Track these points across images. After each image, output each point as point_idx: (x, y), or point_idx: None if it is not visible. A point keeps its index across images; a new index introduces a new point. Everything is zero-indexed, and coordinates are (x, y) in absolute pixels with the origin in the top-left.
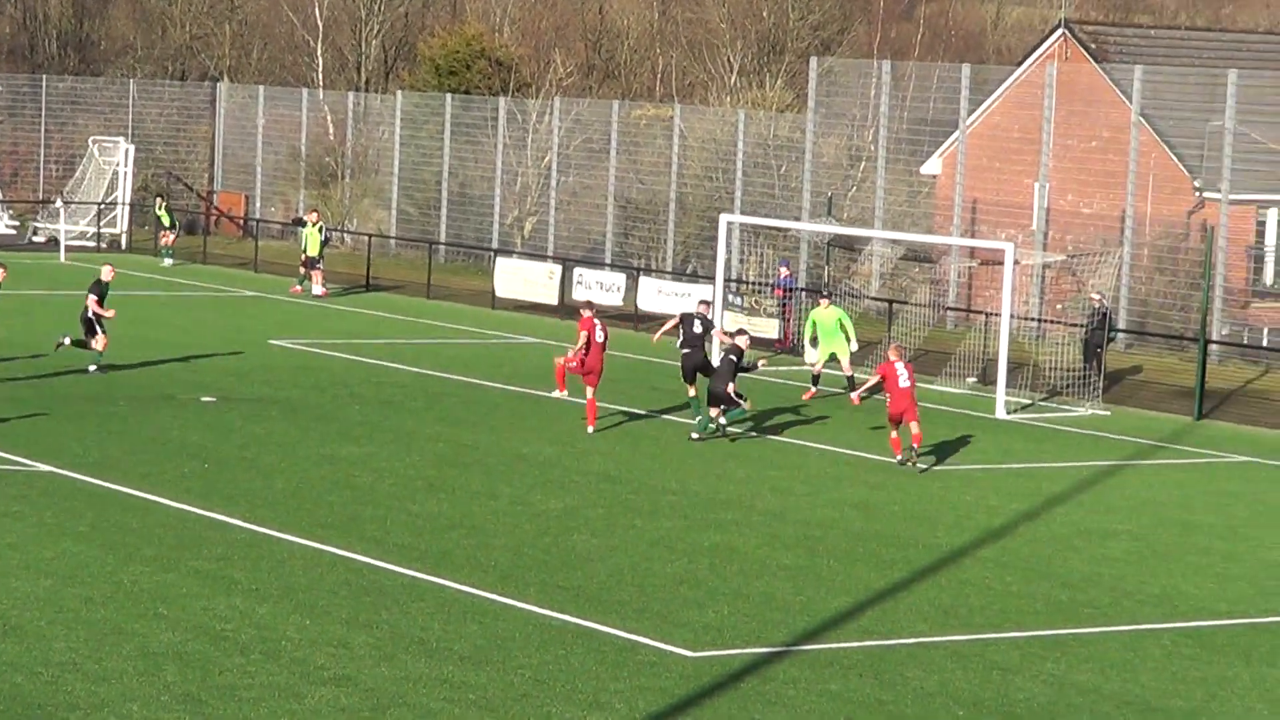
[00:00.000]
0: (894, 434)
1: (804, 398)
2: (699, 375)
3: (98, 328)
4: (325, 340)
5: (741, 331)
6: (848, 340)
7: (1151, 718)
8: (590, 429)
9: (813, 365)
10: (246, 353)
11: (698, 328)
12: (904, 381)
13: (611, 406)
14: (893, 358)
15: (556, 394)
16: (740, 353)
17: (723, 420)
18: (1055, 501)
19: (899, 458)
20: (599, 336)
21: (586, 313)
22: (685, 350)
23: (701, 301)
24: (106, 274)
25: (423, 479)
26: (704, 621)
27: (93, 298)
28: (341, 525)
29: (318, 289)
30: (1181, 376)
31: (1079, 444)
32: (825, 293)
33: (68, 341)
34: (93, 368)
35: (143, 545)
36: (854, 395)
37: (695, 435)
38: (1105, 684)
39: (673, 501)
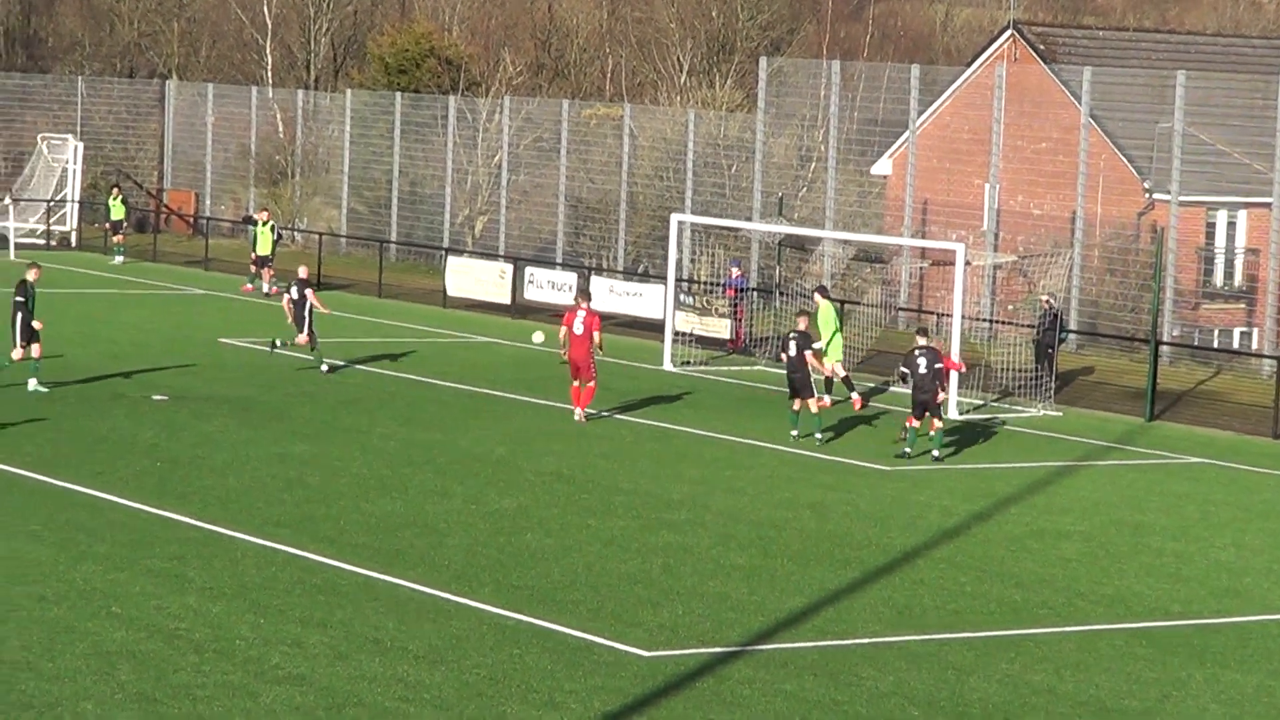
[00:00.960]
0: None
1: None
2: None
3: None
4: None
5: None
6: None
7: (1107, 718)
8: (577, 414)
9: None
10: (197, 351)
11: (793, 349)
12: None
13: (563, 405)
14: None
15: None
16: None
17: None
18: (1008, 502)
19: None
20: (577, 329)
21: (579, 305)
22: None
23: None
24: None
25: (376, 478)
26: (658, 621)
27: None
28: (295, 524)
29: (267, 287)
30: (1133, 378)
31: (1031, 445)
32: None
33: (280, 345)
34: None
35: (95, 544)
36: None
37: (819, 437)
38: (1060, 684)
39: (626, 501)
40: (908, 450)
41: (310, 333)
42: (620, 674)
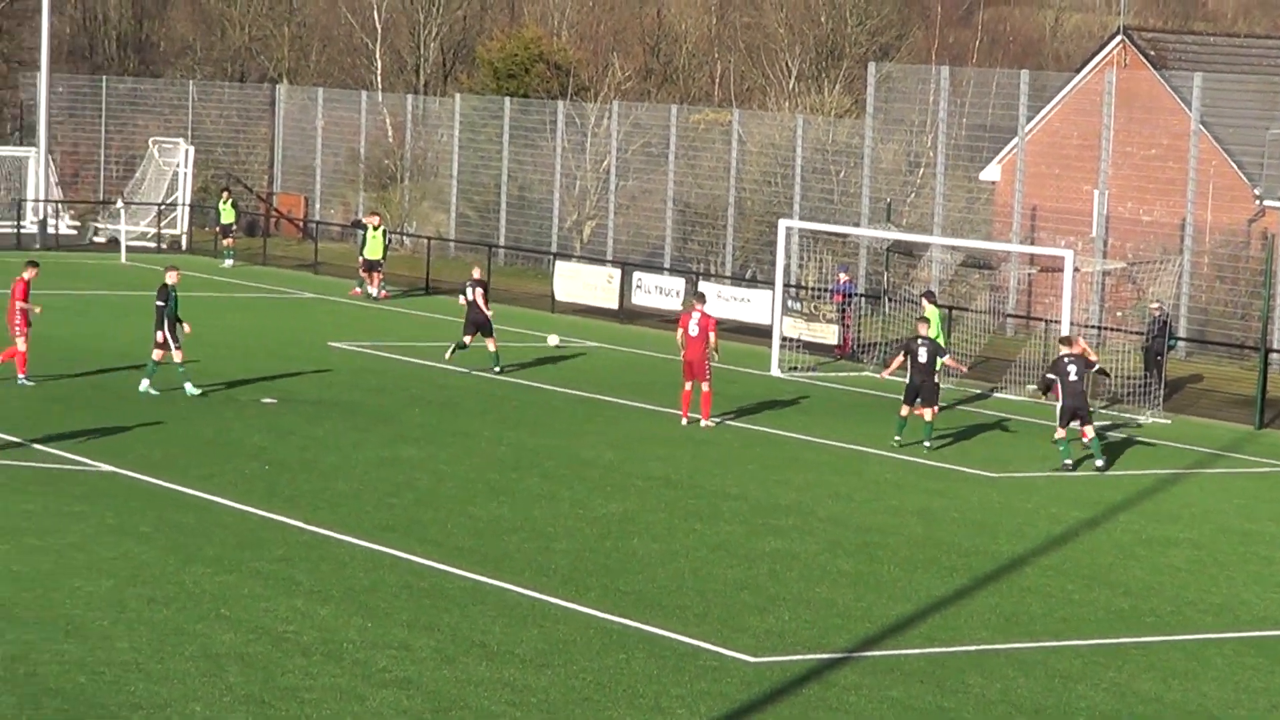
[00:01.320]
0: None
1: None
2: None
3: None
4: (384, 342)
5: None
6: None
7: None
8: (684, 420)
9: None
10: (306, 355)
11: (923, 356)
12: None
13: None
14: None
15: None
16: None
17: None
18: (1116, 509)
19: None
20: (692, 331)
21: (695, 307)
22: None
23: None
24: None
25: (483, 482)
26: (765, 627)
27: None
28: (403, 527)
29: (376, 291)
30: (1242, 385)
31: (1139, 452)
32: (927, 294)
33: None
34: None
35: (204, 546)
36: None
37: (927, 445)
38: (1168, 693)
39: (733, 506)
40: (1068, 463)
41: (491, 334)
42: (726, 680)
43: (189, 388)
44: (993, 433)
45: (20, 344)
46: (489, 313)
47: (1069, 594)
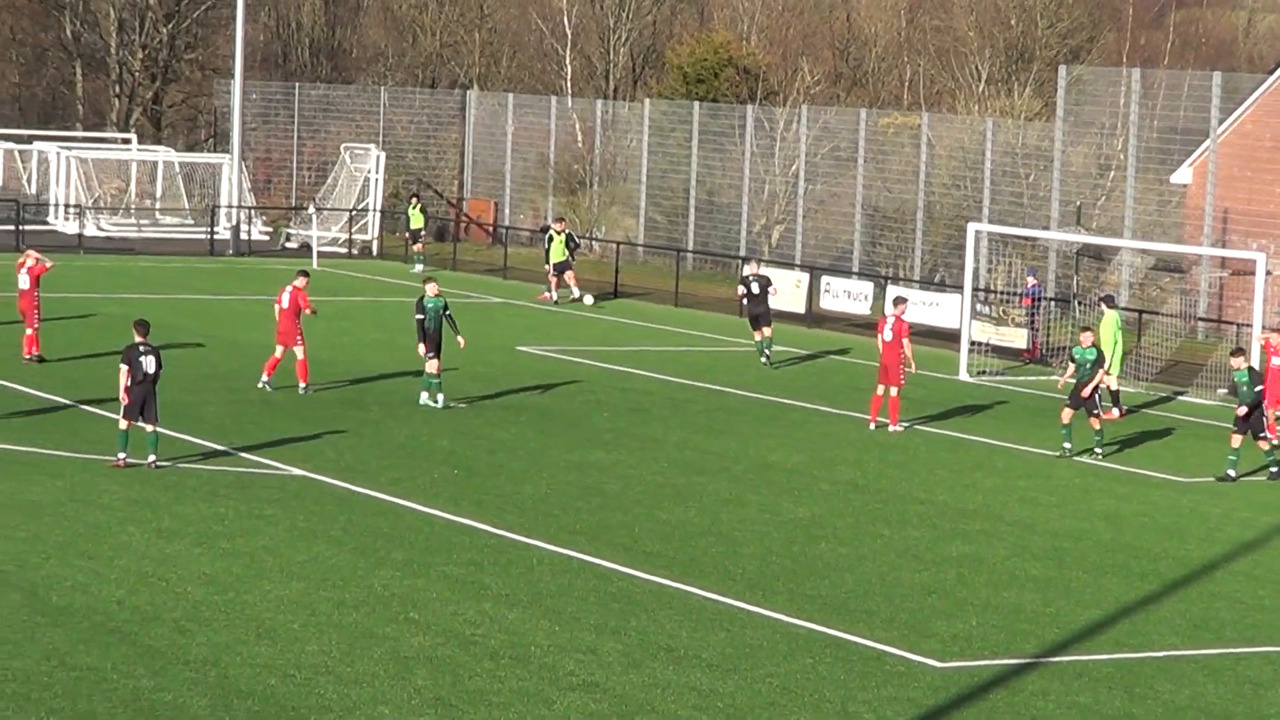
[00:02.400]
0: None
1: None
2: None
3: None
4: (573, 347)
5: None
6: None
7: None
8: (872, 425)
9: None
10: (495, 359)
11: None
12: None
13: (859, 415)
14: None
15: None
16: None
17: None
18: None
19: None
20: (886, 335)
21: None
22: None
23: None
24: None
25: (670, 486)
26: (952, 632)
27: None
28: (590, 532)
29: (576, 293)
30: None
31: None
32: (1106, 298)
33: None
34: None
35: (393, 550)
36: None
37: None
38: None
39: (920, 511)
40: (1230, 474)
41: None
42: (913, 685)
43: (433, 398)
44: (1181, 437)
45: (299, 352)
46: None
47: (1260, 600)
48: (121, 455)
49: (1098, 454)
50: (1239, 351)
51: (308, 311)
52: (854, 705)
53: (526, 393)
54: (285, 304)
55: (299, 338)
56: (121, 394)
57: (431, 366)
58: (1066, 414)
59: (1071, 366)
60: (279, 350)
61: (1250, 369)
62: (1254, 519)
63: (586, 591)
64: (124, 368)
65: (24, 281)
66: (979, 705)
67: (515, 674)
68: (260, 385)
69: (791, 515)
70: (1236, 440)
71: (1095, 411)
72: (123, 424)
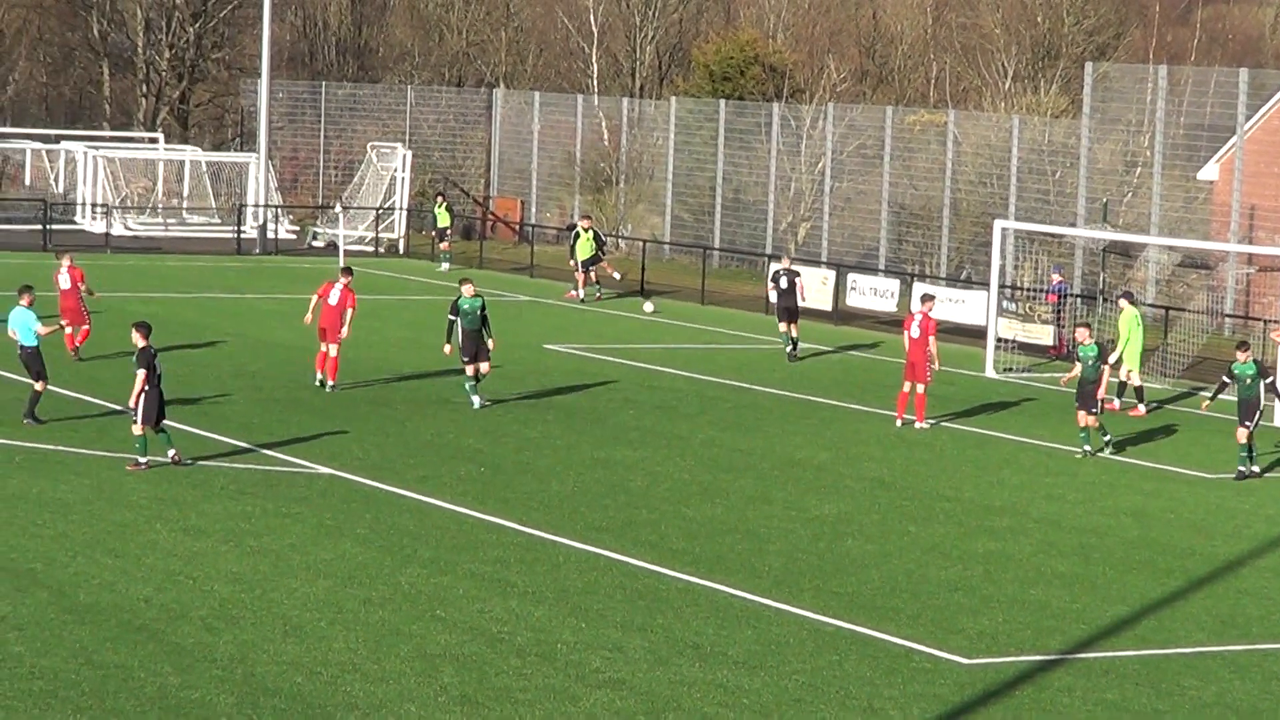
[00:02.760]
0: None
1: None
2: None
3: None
4: (599, 345)
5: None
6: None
7: None
8: (899, 422)
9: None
10: (521, 357)
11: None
12: None
13: (882, 411)
14: None
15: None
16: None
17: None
18: None
19: None
20: (914, 333)
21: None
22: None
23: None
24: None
25: (697, 483)
26: (978, 628)
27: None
28: (616, 529)
29: (615, 271)
30: None
31: None
32: (1125, 294)
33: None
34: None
35: (420, 547)
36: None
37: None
38: None
39: (946, 508)
40: (1247, 469)
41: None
42: (940, 681)
43: (474, 399)
44: (1207, 433)
45: (333, 349)
46: (802, 300)
47: None
48: (144, 460)
49: (1084, 453)
50: (1244, 345)
51: (352, 313)
52: (880, 702)
53: (553, 390)
54: (334, 301)
55: (339, 335)
56: (136, 399)
57: (473, 369)
58: (1082, 417)
59: (1077, 366)
60: (332, 349)
61: (1256, 362)
62: None
63: (613, 589)
64: (143, 372)
65: (65, 281)
66: (1005, 702)
67: (541, 671)
68: (326, 386)
69: (818, 512)
70: (1242, 435)
71: (1093, 410)
72: (139, 429)
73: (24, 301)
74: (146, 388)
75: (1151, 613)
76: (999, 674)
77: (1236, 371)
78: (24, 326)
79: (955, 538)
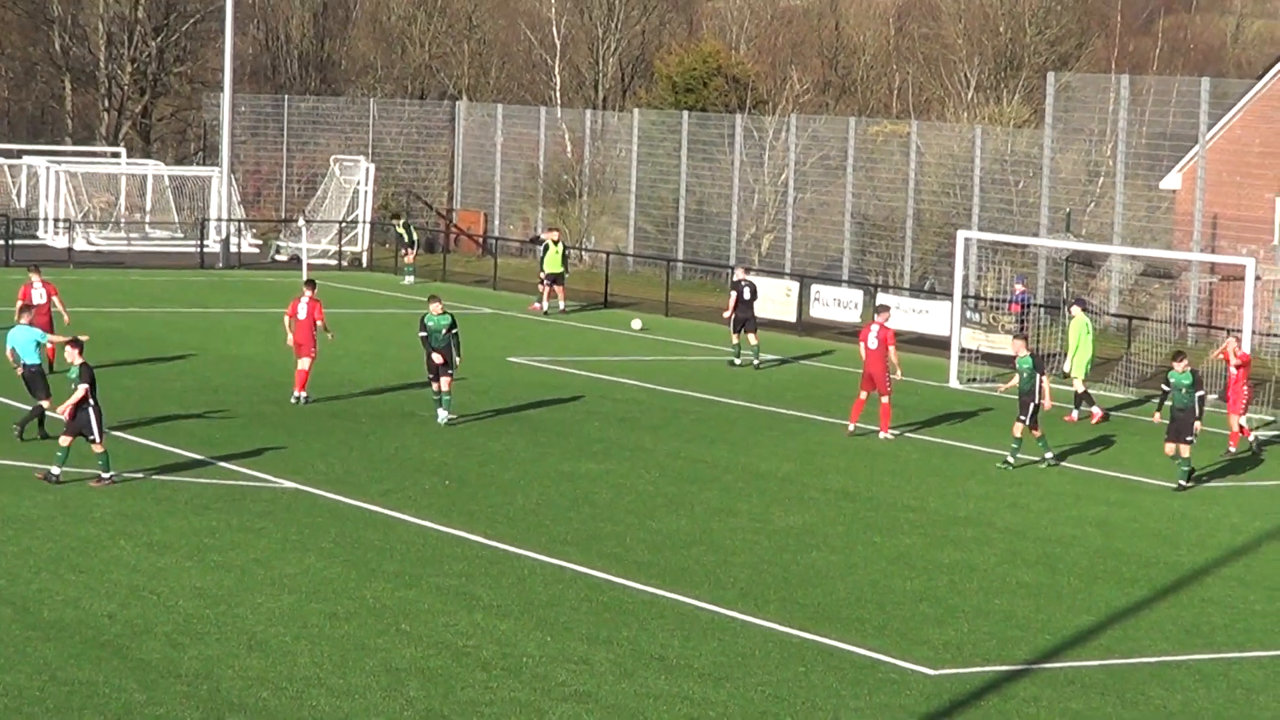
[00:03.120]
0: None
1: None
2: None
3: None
4: (563, 357)
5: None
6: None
7: None
8: (850, 428)
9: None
10: (486, 370)
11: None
12: None
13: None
14: None
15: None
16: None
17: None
18: None
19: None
20: (871, 344)
21: (876, 320)
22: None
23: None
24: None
25: (662, 495)
26: (944, 639)
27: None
28: (582, 542)
29: (563, 305)
30: None
31: None
32: (1078, 301)
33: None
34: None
35: (385, 561)
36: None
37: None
38: None
39: (911, 518)
40: (1184, 483)
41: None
42: (905, 692)
43: (440, 414)
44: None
45: (305, 363)
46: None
47: (1251, 605)
48: (107, 475)
49: (1010, 462)
50: (1179, 355)
51: (322, 324)
52: (846, 713)
53: (518, 403)
54: (303, 315)
55: (314, 349)
56: (69, 410)
57: (436, 385)
58: (1018, 428)
59: (1015, 378)
60: (306, 362)
61: (1194, 372)
62: (1244, 524)
63: (578, 602)
64: (85, 387)
65: (39, 296)
66: (971, 712)
67: (507, 685)
68: (299, 400)
69: (783, 524)
70: (1185, 450)
71: (1021, 417)
72: (99, 447)
73: (24, 320)
74: (84, 400)
75: (1116, 622)
76: (964, 684)
77: (1173, 380)
78: (26, 344)
79: (920, 548)
